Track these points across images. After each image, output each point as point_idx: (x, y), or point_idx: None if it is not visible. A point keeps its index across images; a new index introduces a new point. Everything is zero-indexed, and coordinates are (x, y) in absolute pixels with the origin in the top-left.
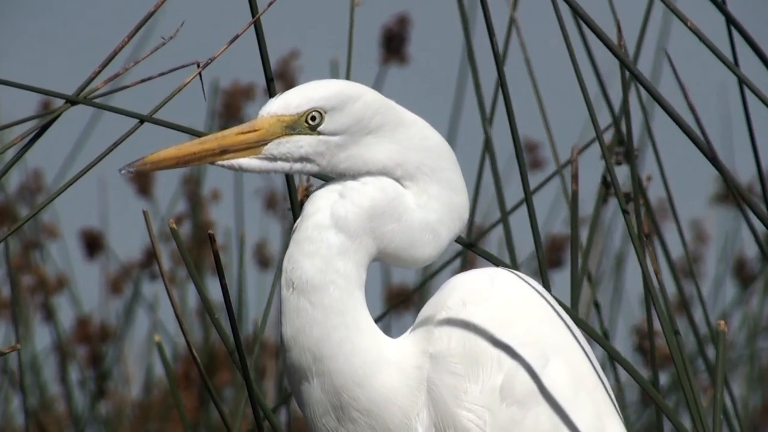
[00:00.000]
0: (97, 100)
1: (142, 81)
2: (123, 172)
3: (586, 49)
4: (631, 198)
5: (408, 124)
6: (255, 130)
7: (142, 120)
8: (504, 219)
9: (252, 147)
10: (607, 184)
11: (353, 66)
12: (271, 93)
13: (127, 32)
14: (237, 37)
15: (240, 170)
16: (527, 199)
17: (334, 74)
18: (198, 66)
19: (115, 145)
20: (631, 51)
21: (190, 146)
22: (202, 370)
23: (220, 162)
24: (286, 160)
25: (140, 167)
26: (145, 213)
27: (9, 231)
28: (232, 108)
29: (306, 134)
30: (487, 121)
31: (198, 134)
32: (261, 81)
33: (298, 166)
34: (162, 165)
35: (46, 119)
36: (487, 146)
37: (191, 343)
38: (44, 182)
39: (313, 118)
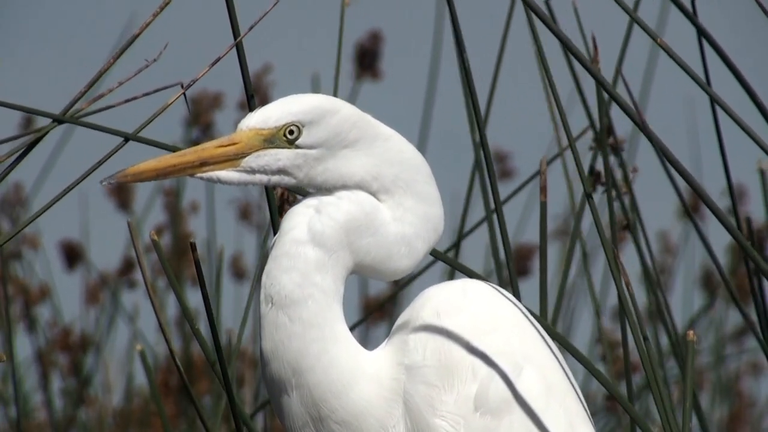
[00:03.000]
0: (82, 119)
1: (127, 101)
2: (104, 183)
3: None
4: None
5: (384, 137)
6: (234, 143)
7: (127, 138)
8: (490, 223)
9: (231, 159)
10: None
11: (329, 80)
12: (252, 110)
13: (112, 52)
14: (219, 59)
15: (219, 182)
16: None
17: (313, 88)
18: (182, 87)
19: (100, 163)
20: (606, 67)
21: (170, 158)
22: (184, 377)
23: (199, 174)
24: (265, 172)
25: (121, 179)
26: (129, 224)
27: None
28: (200, 116)
29: (284, 147)
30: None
31: (177, 151)
32: (233, 92)
33: (276, 178)
34: (142, 177)
35: (33, 138)
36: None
37: (174, 351)
38: (24, 194)
39: (291, 132)
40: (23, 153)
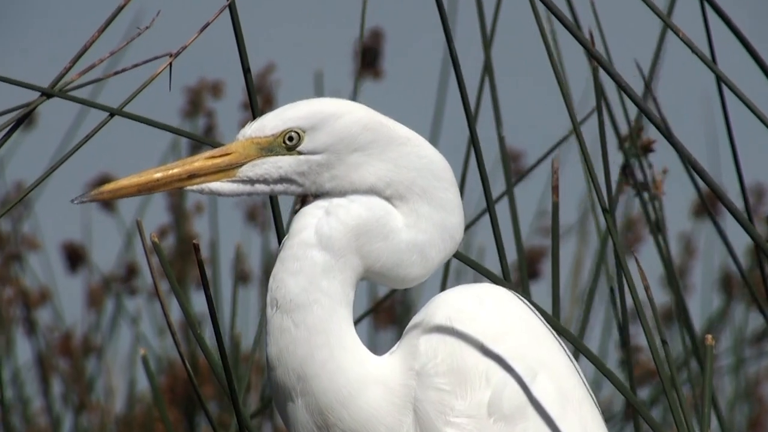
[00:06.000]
0: (73, 93)
1: (116, 73)
2: (76, 202)
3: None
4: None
5: (400, 141)
6: (227, 154)
7: (113, 113)
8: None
9: (223, 170)
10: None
11: (342, 79)
12: (248, 84)
13: (111, 25)
14: (208, 24)
15: (211, 194)
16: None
17: (317, 88)
18: (170, 56)
19: (88, 137)
20: (624, 65)
21: (153, 172)
22: (192, 378)
23: (189, 187)
24: (266, 182)
25: (96, 197)
26: (138, 222)
27: None
28: (197, 105)
29: (284, 154)
30: (501, 124)
31: (170, 129)
32: (233, 78)
33: (280, 187)
34: (121, 193)
35: (21, 113)
36: (502, 148)
37: (182, 353)
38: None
39: (291, 139)
40: (12, 129)
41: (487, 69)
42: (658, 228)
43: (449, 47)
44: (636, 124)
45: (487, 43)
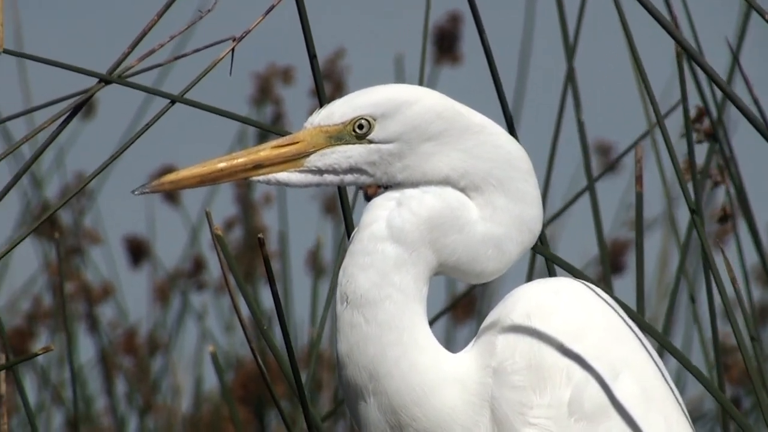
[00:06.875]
0: (133, 79)
1: (176, 58)
2: (137, 193)
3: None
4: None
5: (476, 129)
6: (295, 143)
7: (174, 100)
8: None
9: (291, 160)
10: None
11: (410, 66)
12: (314, 70)
13: (171, 10)
14: (273, 7)
15: (278, 185)
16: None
17: (390, 73)
18: (233, 40)
19: (148, 126)
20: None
21: (217, 162)
22: (266, 377)
23: (255, 177)
24: (335, 172)
25: (157, 188)
26: (207, 213)
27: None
28: (266, 91)
29: (354, 143)
30: (580, 109)
31: (233, 116)
32: (300, 64)
33: (349, 177)
34: (183, 184)
35: (80, 99)
36: (581, 132)
37: (254, 349)
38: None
39: (361, 127)
40: (69, 116)
41: (569, 65)
42: (725, 218)
43: (482, 43)
44: (698, 110)
45: (567, 37)
